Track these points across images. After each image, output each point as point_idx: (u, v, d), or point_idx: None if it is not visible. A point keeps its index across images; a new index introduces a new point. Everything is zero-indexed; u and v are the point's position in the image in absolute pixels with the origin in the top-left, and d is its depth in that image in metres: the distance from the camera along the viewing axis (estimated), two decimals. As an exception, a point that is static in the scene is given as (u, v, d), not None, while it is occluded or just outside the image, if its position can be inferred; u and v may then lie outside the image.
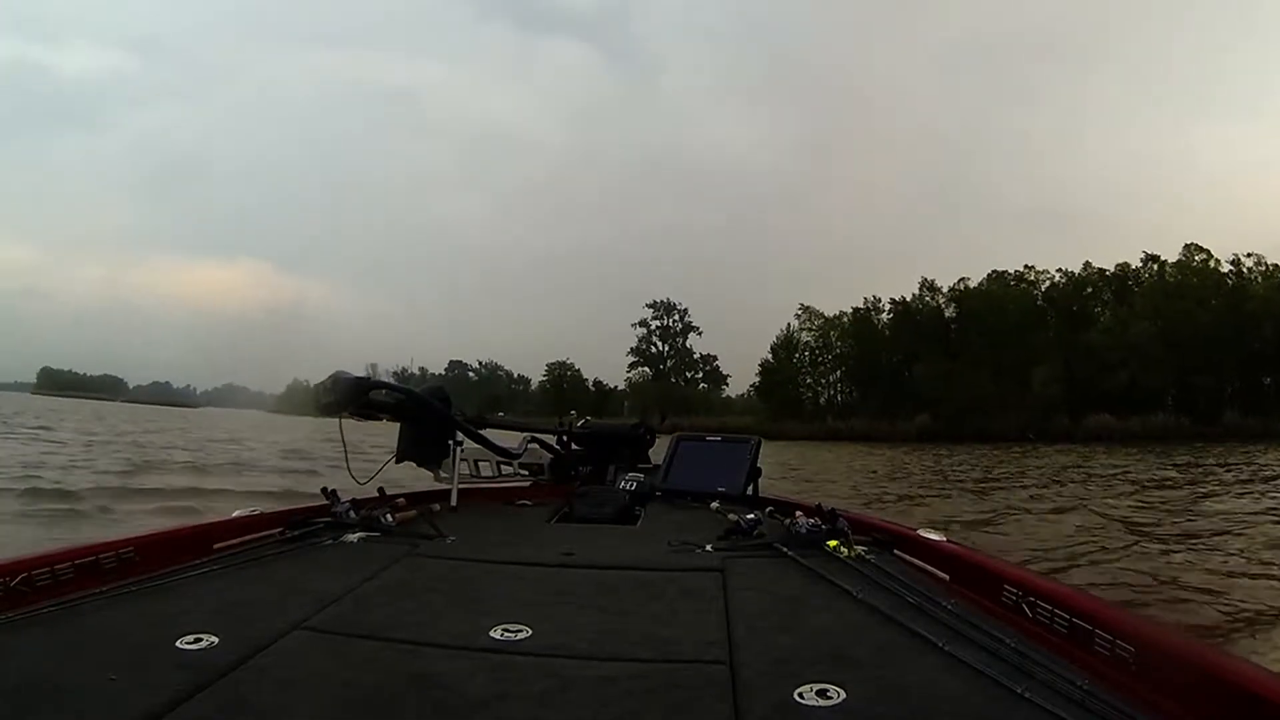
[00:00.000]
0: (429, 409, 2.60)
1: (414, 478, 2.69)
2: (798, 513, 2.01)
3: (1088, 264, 42.58)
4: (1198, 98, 69.73)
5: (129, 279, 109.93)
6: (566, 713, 0.96)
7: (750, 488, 2.68)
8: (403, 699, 0.98)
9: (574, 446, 3.22)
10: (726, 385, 54.52)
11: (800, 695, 0.97)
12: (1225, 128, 68.18)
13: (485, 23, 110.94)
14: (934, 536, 1.80)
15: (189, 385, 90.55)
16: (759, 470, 2.72)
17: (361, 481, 2.36)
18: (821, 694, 0.96)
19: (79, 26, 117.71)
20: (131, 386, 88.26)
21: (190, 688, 0.98)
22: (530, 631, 1.22)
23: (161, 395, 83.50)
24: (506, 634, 1.21)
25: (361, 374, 2.56)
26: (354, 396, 2.38)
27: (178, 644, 1.12)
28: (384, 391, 2.47)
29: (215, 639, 1.14)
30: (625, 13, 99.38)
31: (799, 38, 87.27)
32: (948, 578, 1.62)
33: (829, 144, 79.66)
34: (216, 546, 1.77)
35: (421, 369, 57.10)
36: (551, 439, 3.21)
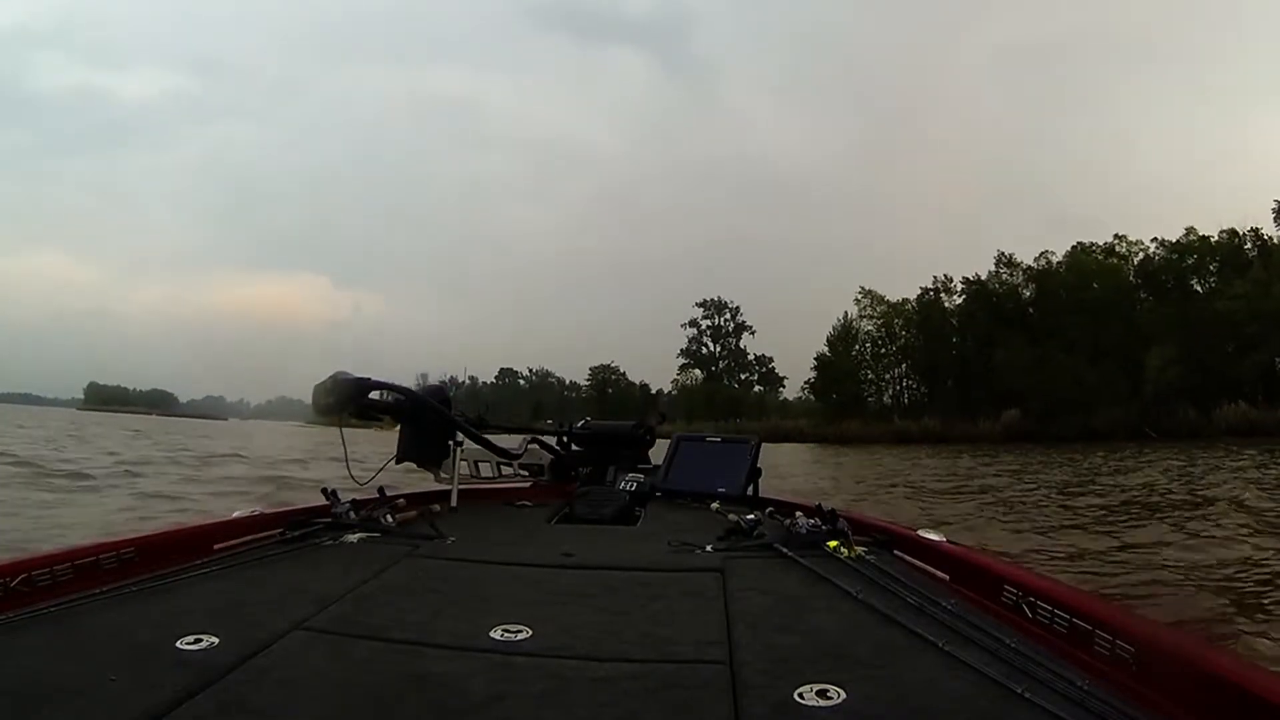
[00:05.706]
0: (429, 409, 2.58)
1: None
2: (798, 513, 2.01)
3: (1190, 229, 35.63)
4: (1257, 88, 61.18)
5: (189, 296, 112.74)
6: (566, 713, 0.96)
7: (750, 488, 2.67)
8: (403, 699, 0.98)
9: (574, 447, 3.19)
10: (784, 387, 50.66)
11: (800, 695, 0.96)
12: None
13: (545, 35, 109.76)
14: (934, 536, 1.79)
15: (242, 399, 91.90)
16: (759, 470, 2.71)
17: (362, 482, 2.35)
18: (821, 694, 0.96)
19: (143, 50, 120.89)
20: (184, 401, 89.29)
21: (190, 688, 0.98)
22: (530, 632, 1.22)
23: (213, 409, 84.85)
24: (506, 634, 1.21)
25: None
26: (353, 398, 2.37)
27: (178, 644, 1.11)
28: (383, 392, 2.47)
29: (215, 639, 1.13)
30: (683, 23, 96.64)
31: (855, 42, 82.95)
32: (948, 578, 1.61)
33: (887, 148, 77.11)
34: (216, 547, 1.77)
35: (472, 378, 56.27)
36: (551, 439, 3.19)
